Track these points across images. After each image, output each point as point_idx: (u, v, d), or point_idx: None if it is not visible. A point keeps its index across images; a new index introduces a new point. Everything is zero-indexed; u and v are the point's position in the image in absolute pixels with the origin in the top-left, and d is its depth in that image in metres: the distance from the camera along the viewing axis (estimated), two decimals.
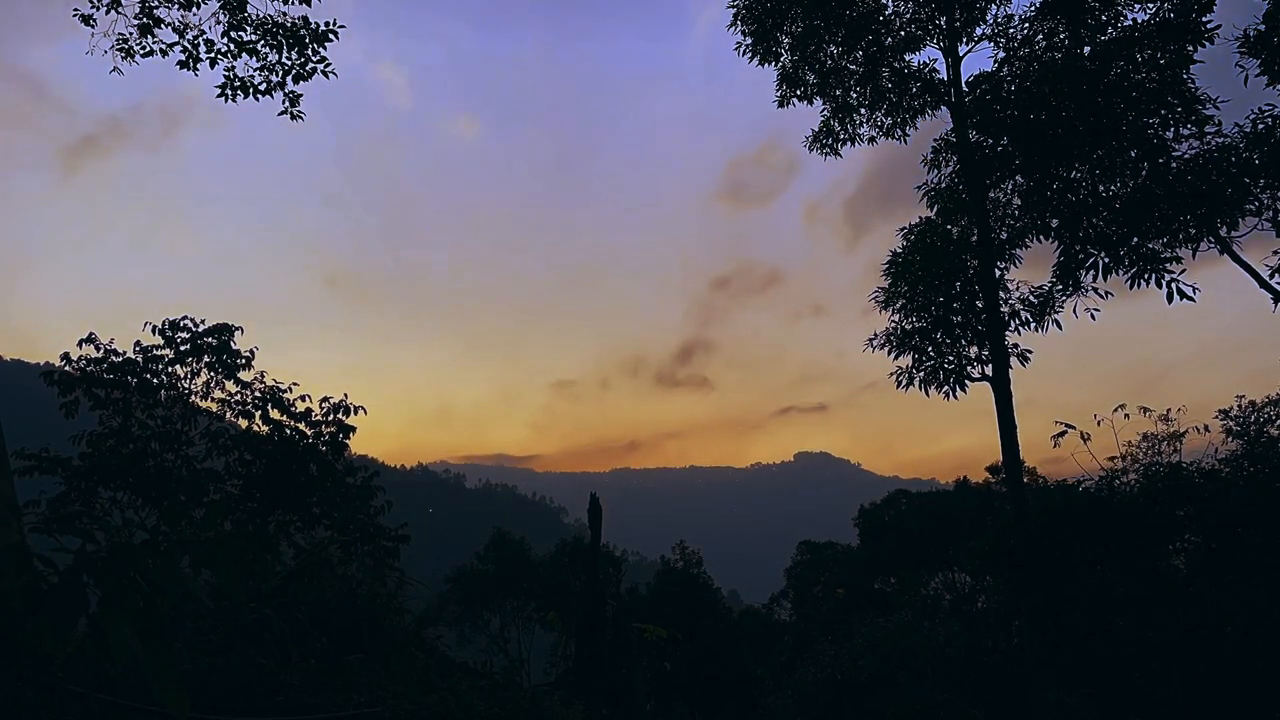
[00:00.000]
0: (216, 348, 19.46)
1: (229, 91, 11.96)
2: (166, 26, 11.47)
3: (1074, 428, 18.60)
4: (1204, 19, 15.88)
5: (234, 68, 11.89)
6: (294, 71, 11.98)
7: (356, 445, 20.98)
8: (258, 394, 19.90)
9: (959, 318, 19.08)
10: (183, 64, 11.60)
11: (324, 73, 12.06)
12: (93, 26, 11.19)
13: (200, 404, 19.78)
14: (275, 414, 19.96)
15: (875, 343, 19.83)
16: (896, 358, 19.47)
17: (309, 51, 11.86)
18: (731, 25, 20.05)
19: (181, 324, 19.35)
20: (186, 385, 19.55)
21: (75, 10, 11.05)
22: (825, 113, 20.38)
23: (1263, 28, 14.80)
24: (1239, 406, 18.16)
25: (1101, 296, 17.94)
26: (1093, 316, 18.14)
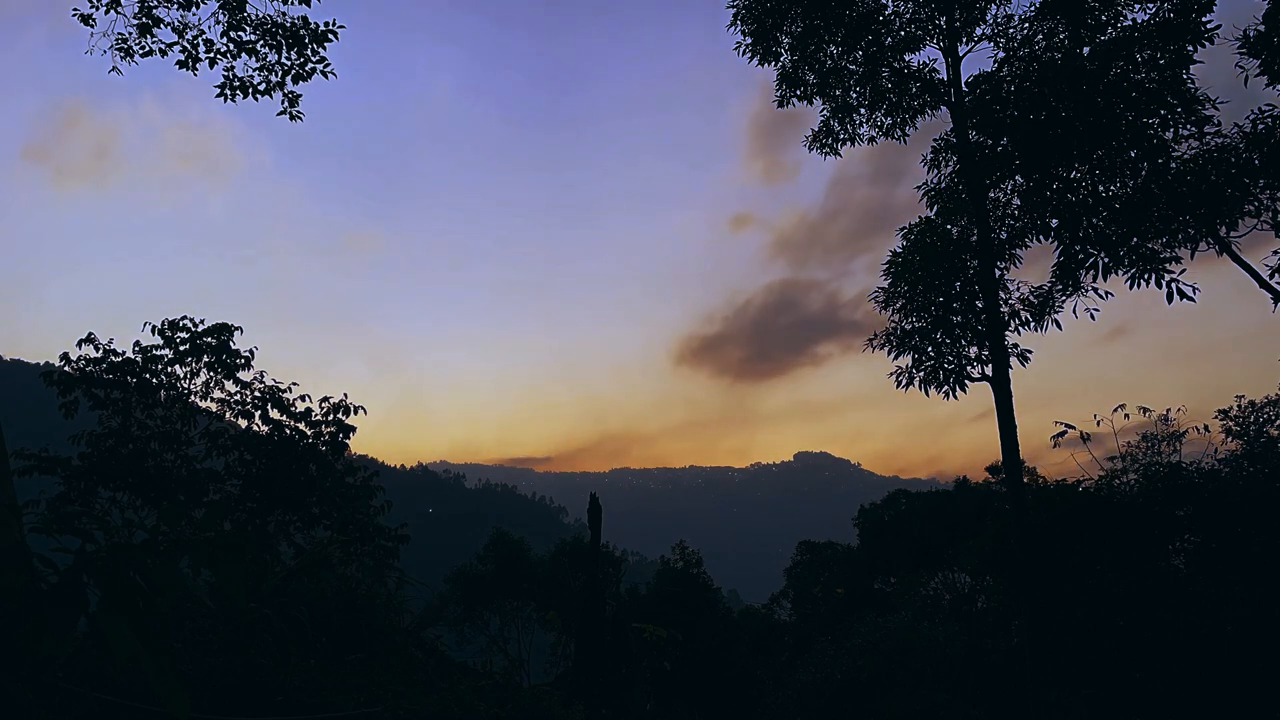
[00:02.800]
0: (216, 347, 19.47)
1: (228, 91, 11.97)
2: (166, 26, 11.48)
3: (1074, 428, 18.64)
4: (1204, 19, 15.87)
5: (233, 68, 11.90)
6: (293, 72, 11.99)
7: (356, 445, 21.02)
8: (257, 394, 19.92)
9: (959, 318, 19.06)
10: (182, 64, 11.61)
11: (323, 73, 12.07)
12: (92, 26, 11.19)
13: (200, 404, 19.79)
14: (275, 414, 19.98)
15: (875, 342, 19.83)
16: (896, 358, 19.47)
17: (309, 52, 11.86)
18: (731, 25, 20.05)
19: (181, 324, 19.36)
20: (186, 385, 19.56)
21: (75, 10, 11.06)
22: (825, 113, 20.36)
23: (1263, 28, 14.80)
24: (1239, 406, 18.19)
25: (1101, 297, 17.95)
26: (1093, 316, 18.15)
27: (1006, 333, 18.57)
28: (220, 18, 11.53)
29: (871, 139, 20.52)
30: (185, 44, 11.56)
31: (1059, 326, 18.78)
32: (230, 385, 19.78)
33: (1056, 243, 17.90)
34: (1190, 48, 15.97)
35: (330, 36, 11.78)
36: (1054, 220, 17.85)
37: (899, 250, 19.80)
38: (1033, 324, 18.99)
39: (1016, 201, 18.91)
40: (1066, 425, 18.68)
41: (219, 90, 11.93)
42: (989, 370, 18.45)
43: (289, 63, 11.91)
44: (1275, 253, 15.25)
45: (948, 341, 19.07)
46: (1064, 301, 18.56)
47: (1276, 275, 15.20)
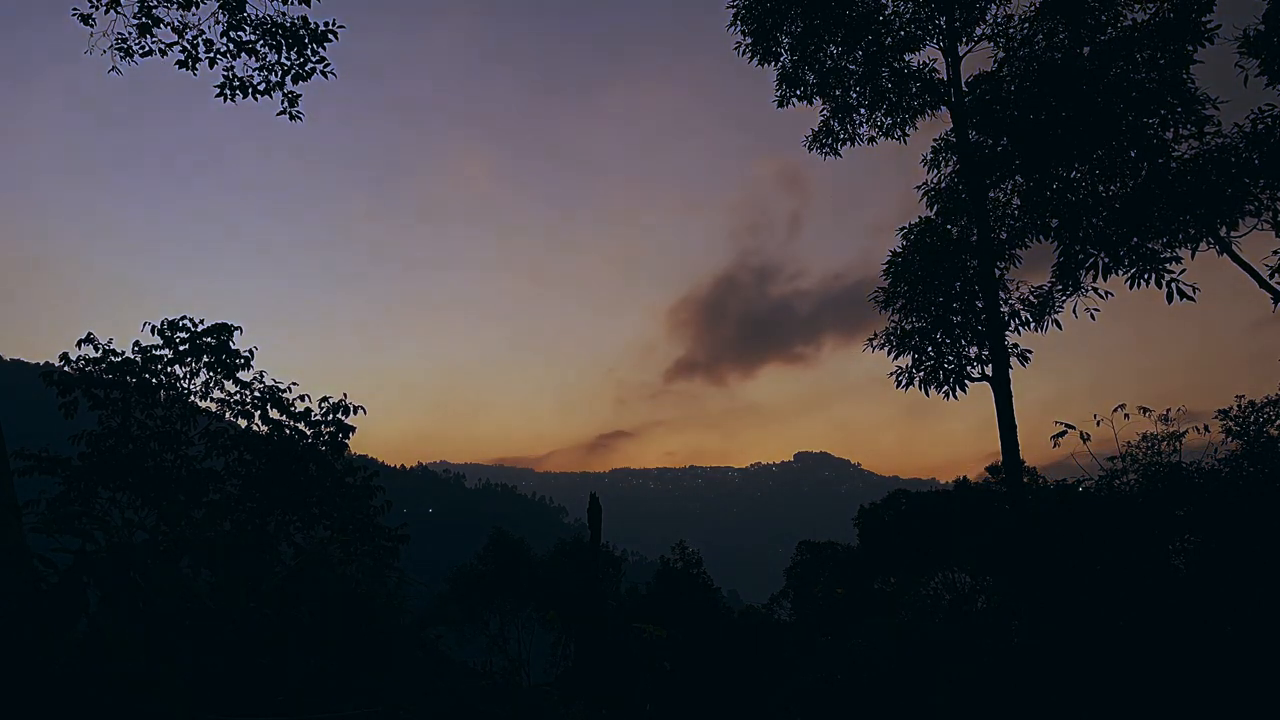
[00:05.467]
0: (215, 347, 19.47)
1: (228, 91, 11.97)
2: (165, 26, 11.48)
3: (1074, 428, 18.62)
4: (1204, 19, 15.88)
5: (233, 67, 11.90)
6: (293, 72, 11.99)
7: (356, 445, 21.05)
8: (257, 394, 19.92)
9: (959, 318, 19.06)
10: (182, 64, 11.61)
11: (323, 73, 12.08)
12: (91, 26, 11.19)
13: (199, 404, 19.79)
14: (274, 414, 19.98)
15: (875, 343, 19.83)
16: (896, 358, 19.47)
17: (308, 51, 11.86)
18: (731, 25, 20.04)
19: (180, 324, 19.36)
20: (185, 385, 19.56)
21: (74, 10, 11.06)
22: (825, 113, 20.37)
23: (1263, 28, 14.82)
24: (1239, 406, 18.18)
25: (1101, 296, 17.95)
26: (1092, 316, 18.16)
27: (1006, 333, 18.57)
28: (220, 18, 11.53)
29: (871, 139, 20.53)
30: (185, 44, 11.56)
31: (1059, 326, 18.79)
32: (230, 385, 19.79)
33: (1056, 243, 17.90)
34: (1190, 48, 15.98)
35: (330, 36, 11.78)
36: (1054, 220, 17.86)
37: (899, 250, 19.81)
38: (1033, 324, 19.00)
39: (1016, 201, 18.92)
40: (1066, 425, 18.68)
41: (219, 90, 11.93)
42: (989, 370, 18.45)
43: (289, 63, 11.91)
44: (1275, 253, 15.27)
45: (948, 341, 19.07)
46: (1064, 301, 18.56)
47: (1276, 275, 15.21)
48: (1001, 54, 18.26)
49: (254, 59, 11.85)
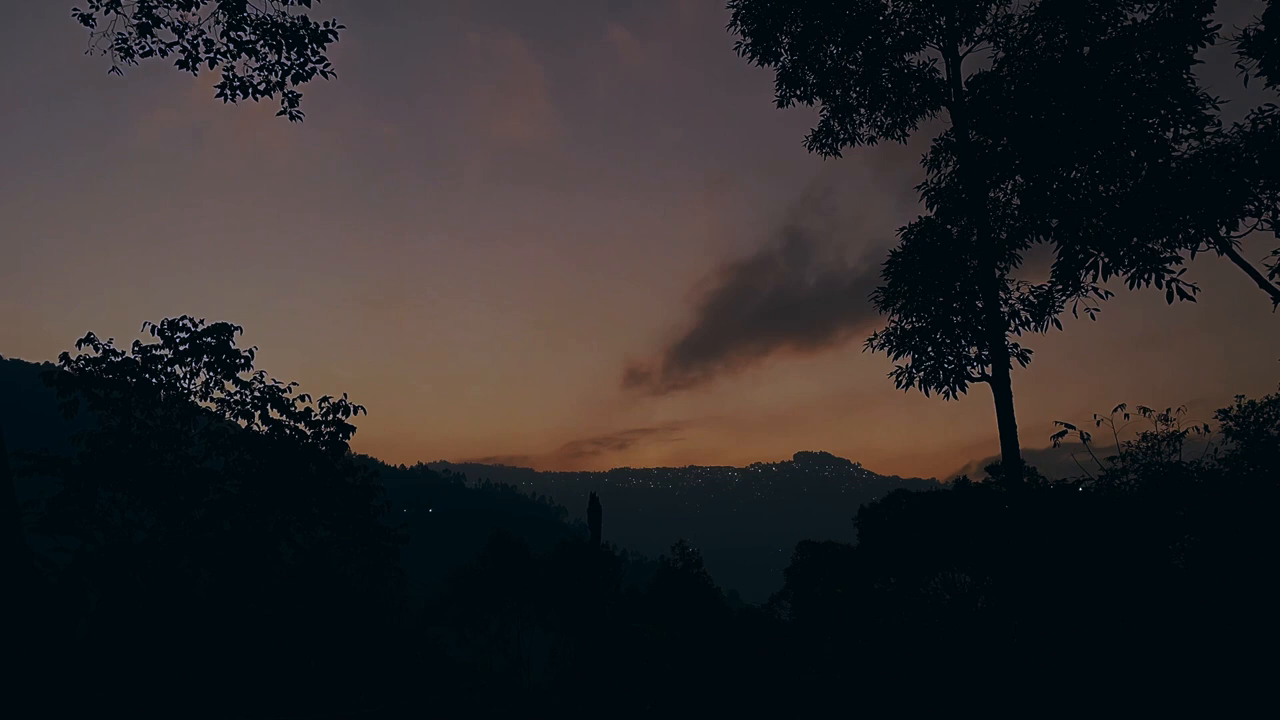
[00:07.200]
0: (215, 348, 19.47)
1: (228, 91, 11.98)
2: (165, 26, 11.48)
3: (1074, 428, 18.63)
4: (1204, 19, 15.89)
5: (233, 67, 11.91)
6: (293, 71, 12.00)
7: (356, 444, 21.08)
8: (257, 394, 19.92)
9: (959, 318, 19.04)
10: (182, 64, 11.62)
11: (323, 73, 12.08)
12: (92, 26, 11.20)
13: (200, 404, 19.80)
14: (274, 414, 19.99)
15: (875, 343, 19.82)
16: (896, 358, 19.46)
17: (308, 51, 11.87)
18: (731, 25, 20.04)
19: (180, 324, 19.36)
20: (185, 385, 19.56)
21: (75, 10, 11.06)
22: (825, 112, 20.36)
23: (1263, 28, 14.83)
24: (1239, 406, 18.19)
25: (1101, 296, 17.94)
26: (1092, 316, 18.14)
27: (1006, 333, 18.56)
28: (220, 18, 11.54)
29: (871, 139, 20.52)
30: (185, 44, 11.57)
31: (1059, 326, 18.77)
32: (230, 385, 19.79)
33: (1056, 243, 17.89)
34: (1190, 47, 15.98)
35: (330, 36, 11.79)
36: (1054, 220, 17.85)
37: (899, 250, 19.80)
38: (1033, 324, 18.98)
39: (1016, 201, 18.91)
40: (1066, 425, 18.68)
41: (219, 90, 11.94)
42: (989, 370, 18.44)
43: (289, 63, 11.92)
44: (1275, 253, 15.27)
45: (948, 341, 19.06)
46: (1064, 301, 18.54)
47: (1276, 275, 15.21)
48: (1001, 54, 18.26)
49: (254, 59, 11.87)
